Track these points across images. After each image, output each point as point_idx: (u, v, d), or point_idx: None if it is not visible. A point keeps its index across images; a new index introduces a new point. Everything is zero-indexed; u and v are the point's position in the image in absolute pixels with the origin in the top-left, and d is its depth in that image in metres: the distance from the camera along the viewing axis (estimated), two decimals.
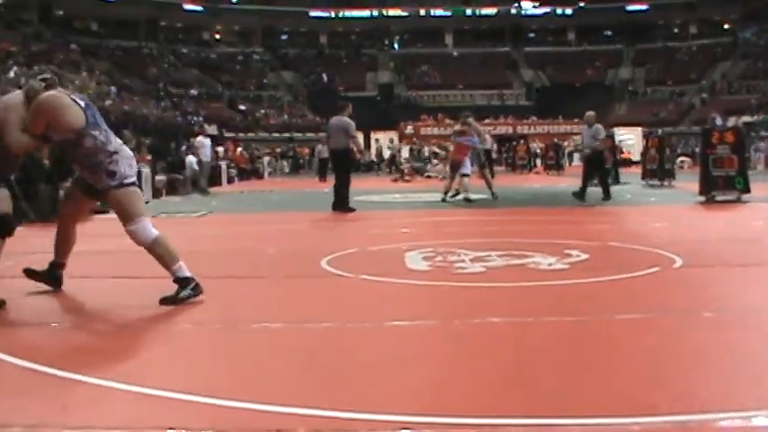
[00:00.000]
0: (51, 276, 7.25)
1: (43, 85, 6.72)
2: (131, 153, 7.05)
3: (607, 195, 17.88)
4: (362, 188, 24.57)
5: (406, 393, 4.06)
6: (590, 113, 18.49)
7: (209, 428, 3.59)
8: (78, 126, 6.53)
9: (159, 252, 6.73)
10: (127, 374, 4.42)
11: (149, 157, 24.86)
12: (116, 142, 6.78)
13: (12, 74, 36.49)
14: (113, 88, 50.45)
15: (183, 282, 6.63)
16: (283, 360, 4.85)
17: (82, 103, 6.68)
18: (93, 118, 6.66)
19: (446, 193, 18.46)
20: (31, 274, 7.25)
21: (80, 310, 6.72)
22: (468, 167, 18.48)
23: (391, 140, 49.71)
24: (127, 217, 6.70)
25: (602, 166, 18.56)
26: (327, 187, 21.68)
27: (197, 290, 6.63)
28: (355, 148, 16.82)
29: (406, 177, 32.32)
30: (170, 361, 4.92)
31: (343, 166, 16.49)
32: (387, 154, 47.28)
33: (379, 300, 6.79)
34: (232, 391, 4.05)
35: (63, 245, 7.24)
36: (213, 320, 6.04)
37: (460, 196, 18.25)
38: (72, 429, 3.64)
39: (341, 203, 16.09)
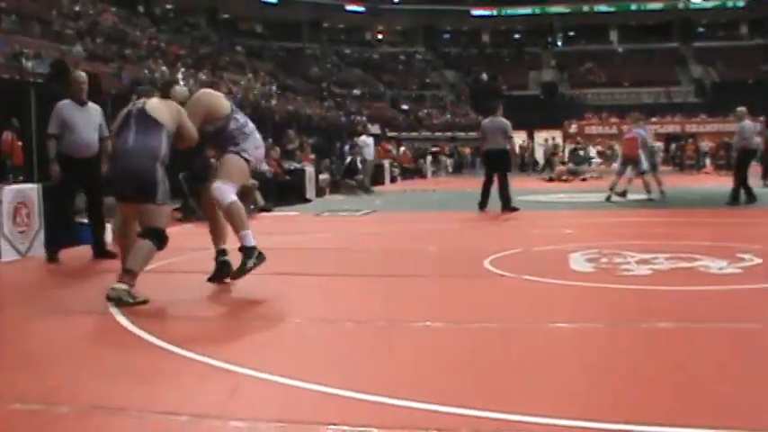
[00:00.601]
0: (222, 269, 7.57)
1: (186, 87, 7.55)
2: (262, 141, 7.60)
3: (732, 200, 16.57)
4: (525, 188, 24.35)
5: (567, 397, 3.99)
6: (739, 109, 17.38)
7: (370, 425, 3.60)
8: (228, 112, 7.24)
9: (232, 215, 7.04)
10: (289, 369, 4.50)
11: (313, 156, 25.26)
12: (252, 126, 7.43)
13: (180, 75, 37.71)
14: (274, 87, 51.32)
15: (247, 251, 6.97)
16: (445, 359, 4.83)
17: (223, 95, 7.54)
18: (235, 105, 7.49)
19: (611, 190, 18.08)
20: (211, 279, 7.59)
21: (243, 304, 6.87)
22: (644, 164, 18.06)
23: (547, 140, 48.71)
24: (220, 175, 7.12)
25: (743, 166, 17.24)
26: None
27: (260, 258, 7.01)
28: (511, 149, 16.86)
29: (564, 177, 31.58)
30: (332, 357, 4.96)
31: (502, 166, 16.28)
32: (541, 153, 46.52)
33: (541, 301, 6.70)
34: (393, 389, 4.06)
35: (216, 233, 7.66)
36: (376, 318, 6.07)
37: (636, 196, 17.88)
38: (237, 420, 3.73)
39: (504, 203, 15.92)
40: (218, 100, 7.37)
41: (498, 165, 16.20)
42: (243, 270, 6.95)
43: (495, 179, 16.06)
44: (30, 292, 7.87)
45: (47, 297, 7.30)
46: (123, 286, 6.51)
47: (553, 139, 46.33)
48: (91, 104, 9.65)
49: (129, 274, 6.59)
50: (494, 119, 16.34)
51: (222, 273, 7.52)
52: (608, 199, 17.80)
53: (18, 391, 4.24)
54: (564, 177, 31.35)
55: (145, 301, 6.53)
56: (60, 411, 3.92)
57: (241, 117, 7.34)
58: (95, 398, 4.11)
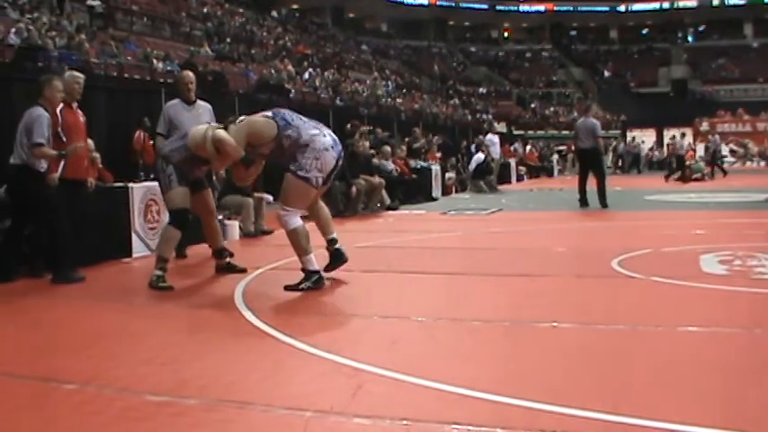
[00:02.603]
0: (336, 258, 7.94)
1: None
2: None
3: None
4: (652, 187, 23.93)
5: (698, 403, 3.88)
6: None
7: (494, 426, 3.58)
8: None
9: (292, 240, 7.43)
10: (414, 367, 4.51)
11: (439, 155, 25.25)
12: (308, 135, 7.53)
13: (306, 75, 38.12)
14: (389, 83, 51.23)
15: (308, 274, 7.35)
16: (572, 361, 4.76)
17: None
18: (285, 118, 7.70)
19: None
20: (327, 268, 7.87)
21: (369, 302, 6.89)
22: None
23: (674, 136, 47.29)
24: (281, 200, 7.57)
25: None
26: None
27: (318, 283, 7.32)
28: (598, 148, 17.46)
29: (695, 176, 30.66)
30: (457, 357, 4.94)
31: (595, 164, 17.17)
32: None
33: (672, 303, 6.53)
34: (518, 390, 4.04)
35: (321, 226, 7.97)
36: (501, 318, 6.03)
37: None
38: (361, 418, 3.76)
39: (601, 200, 16.64)
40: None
41: (591, 163, 17.17)
42: (295, 287, 7.25)
43: (593, 177, 16.95)
44: None
45: (175, 292, 7.45)
46: None
47: (682, 135, 44.85)
48: (200, 102, 9.61)
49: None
50: (586, 119, 17.69)
51: (337, 261, 7.89)
52: None
53: (149, 384, 4.35)
54: (695, 176, 30.44)
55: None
56: (189, 404, 4.01)
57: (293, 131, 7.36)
58: (222, 391, 4.19)
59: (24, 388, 4.43)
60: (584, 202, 16.91)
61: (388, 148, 19.30)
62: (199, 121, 9.44)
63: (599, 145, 17.29)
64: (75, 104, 8.76)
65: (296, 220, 7.34)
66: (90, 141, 10.72)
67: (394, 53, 66.35)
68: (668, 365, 4.60)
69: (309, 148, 7.25)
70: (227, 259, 8.68)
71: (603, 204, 16.55)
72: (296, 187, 7.30)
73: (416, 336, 5.58)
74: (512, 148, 35.49)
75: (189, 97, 9.46)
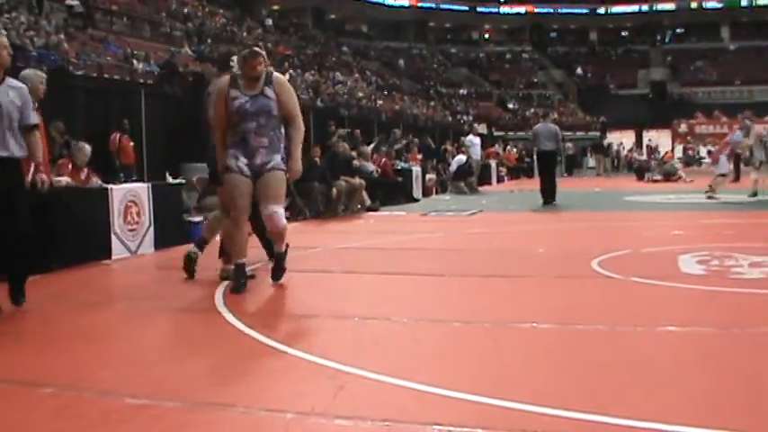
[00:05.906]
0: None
1: None
2: None
3: None
4: (631, 188, 24.01)
5: (677, 403, 3.89)
6: None
7: (475, 426, 3.58)
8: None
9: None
10: (395, 368, 4.50)
11: (420, 156, 25.26)
12: None
13: (287, 76, 38.07)
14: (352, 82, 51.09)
15: (283, 255, 7.53)
16: (552, 361, 4.77)
17: None
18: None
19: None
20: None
21: (349, 303, 6.88)
22: (723, 167, 19.39)
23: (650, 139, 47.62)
24: (277, 197, 7.19)
25: None
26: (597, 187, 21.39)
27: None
28: (561, 151, 19.72)
29: (673, 178, 30.70)
30: (439, 358, 4.94)
31: (551, 165, 19.21)
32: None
33: (651, 303, 6.56)
34: (500, 390, 4.03)
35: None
36: (482, 318, 6.03)
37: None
38: (342, 419, 3.75)
39: (550, 197, 18.46)
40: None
41: (548, 164, 19.09)
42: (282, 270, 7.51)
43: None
44: (139, 289, 8.03)
45: (156, 294, 7.44)
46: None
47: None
48: None
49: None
50: (545, 124, 19.36)
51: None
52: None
53: (129, 387, 4.32)
54: (674, 177, 30.45)
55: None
56: (169, 406, 3.99)
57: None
58: (203, 394, 4.18)
59: (1, 392, 4.40)
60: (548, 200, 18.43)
61: (367, 149, 19.32)
62: None
63: (560, 149, 19.25)
64: (36, 104, 8.66)
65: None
66: (87, 146, 10.62)
67: (374, 54, 66.35)
68: (647, 365, 4.62)
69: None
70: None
71: (549, 201, 18.24)
72: (284, 182, 7.23)
73: (397, 337, 5.58)
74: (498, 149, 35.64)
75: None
